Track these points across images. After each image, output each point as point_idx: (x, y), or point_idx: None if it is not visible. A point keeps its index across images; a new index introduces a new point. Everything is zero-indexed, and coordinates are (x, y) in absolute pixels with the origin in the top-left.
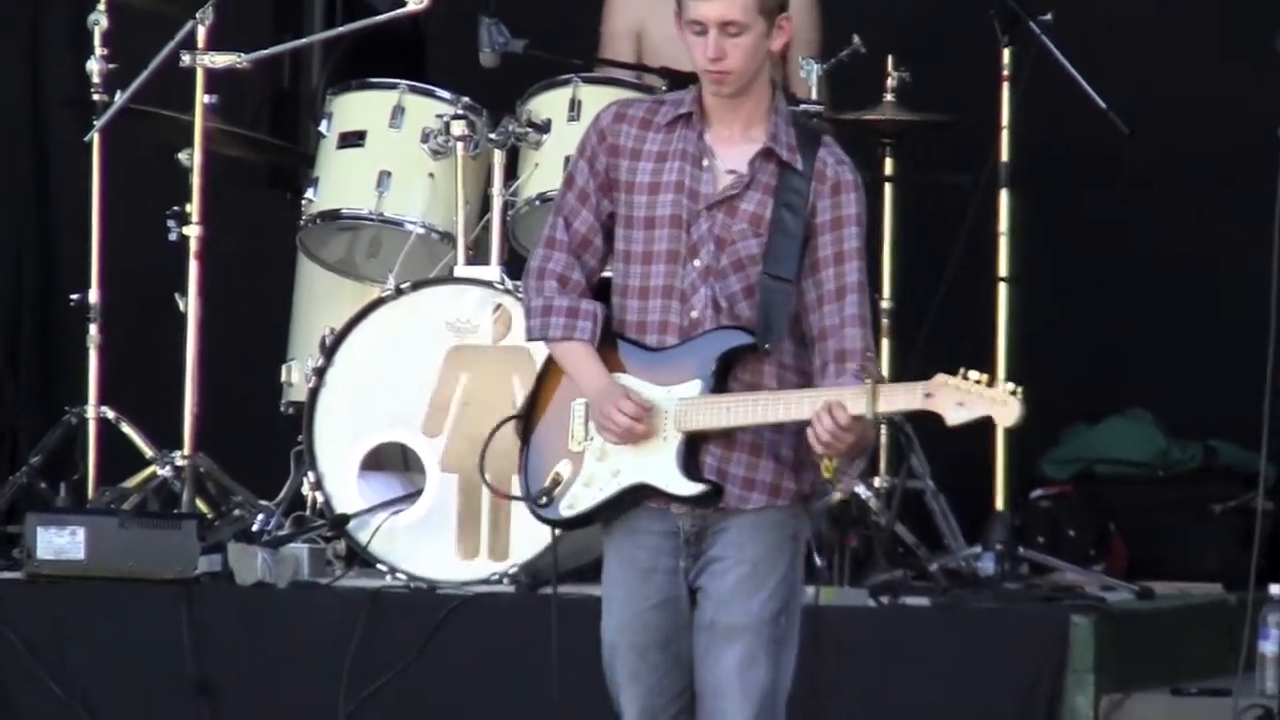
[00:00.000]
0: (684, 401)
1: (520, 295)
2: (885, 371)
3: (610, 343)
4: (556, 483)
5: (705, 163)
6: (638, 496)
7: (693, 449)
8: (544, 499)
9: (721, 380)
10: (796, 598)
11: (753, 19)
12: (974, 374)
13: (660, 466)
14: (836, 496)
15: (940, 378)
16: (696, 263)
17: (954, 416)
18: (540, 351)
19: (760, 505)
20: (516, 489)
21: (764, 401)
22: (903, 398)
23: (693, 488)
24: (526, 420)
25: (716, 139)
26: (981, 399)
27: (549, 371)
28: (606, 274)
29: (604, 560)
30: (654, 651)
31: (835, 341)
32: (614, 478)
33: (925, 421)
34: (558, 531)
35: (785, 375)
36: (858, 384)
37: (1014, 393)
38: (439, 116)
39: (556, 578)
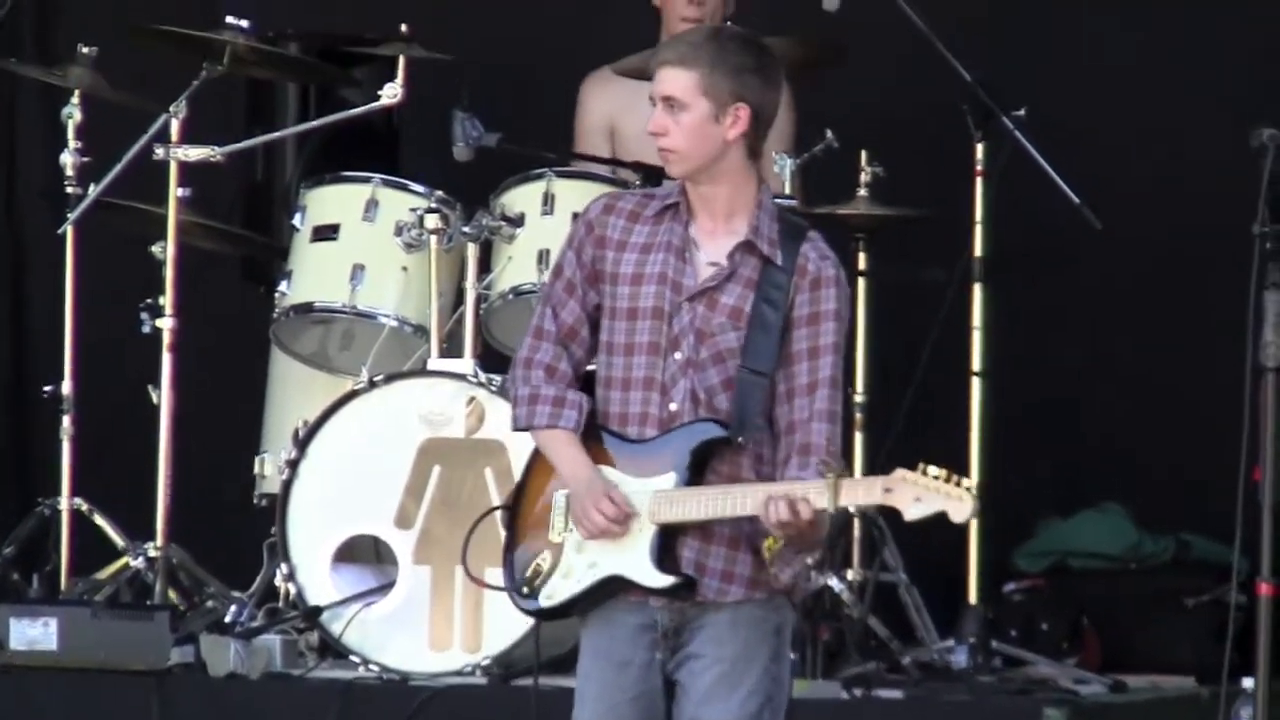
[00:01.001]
0: (659, 494)
1: (493, 389)
2: (858, 466)
3: (595, 435)
4: (537, 573)
5: (688, 255)
6: (614, 588)
7: (667, 541)
8: (524, 589)
9: (697, 473)
10: (782, 692)
11: (693, 99)
12: (933, 469)
13: (635, 559)
14: (784, 579)
15: (899, 473)
16: (678, 355)
17: (911, 512)
18: (515, 445)
19: (739, 598)
20: (493, 578)
21: (736, 494)
22: (862, 492)
23: (665, 580)
24: (512, 510)
25: (701, 231)
26: (937, 494)
27: (536, 462)
28: (592, 368)
29: (580, 652)
30: None
31: (801, 435)
32: (590, 569)
33: (898, 515)
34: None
35: (763, 469)
36: (820, 479)
37: (969, 489)
38: (413, 210)
39: (538, 668)
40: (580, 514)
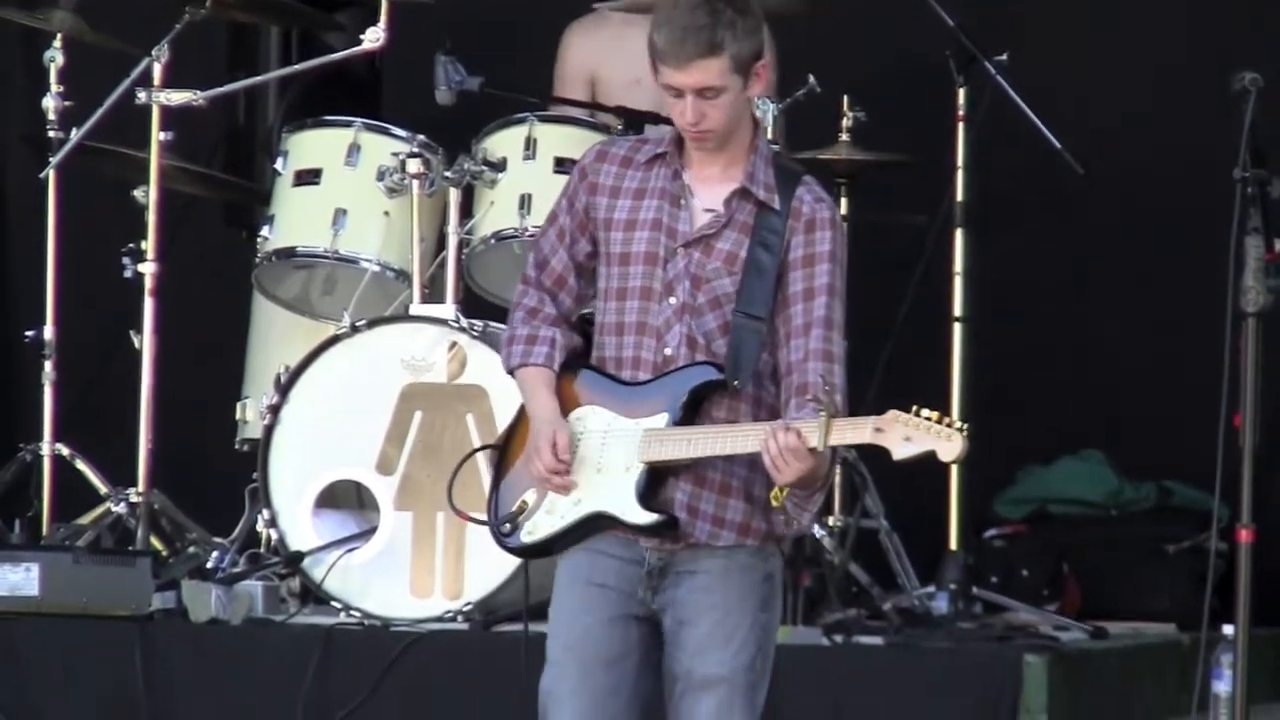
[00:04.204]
0: (649, 433)
1: (474, 334)
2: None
3: (588, 376)
4: (521, 510)
5: (683, 201)
6: (597, 525)
7: (654, 480)
8: (507, 525)
9: (690, 415)
10: (771, 639)
11: (728, 80)
12: (926, 411)
13: (620, 496)
14: (805, 522)
15: (892, 413)
16: (672, 300)
17: (900, 451)
18: (496, 390)
19: (730, 543)
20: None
21: (726, 434)
22: (853, 432)
23: (647, 517)
24: (504, 450)
25: (696, 178)
26: (927, 434)
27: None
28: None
29: (555, 581)
30: (600, 669)
31: (798, 376)
32: (575, 506)
33: (880, 461)
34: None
35: (763, 415)
36: (814, 416)
37: (959, 429)
38: (395, 154)
39: (527, 611)
40: (533, 452)
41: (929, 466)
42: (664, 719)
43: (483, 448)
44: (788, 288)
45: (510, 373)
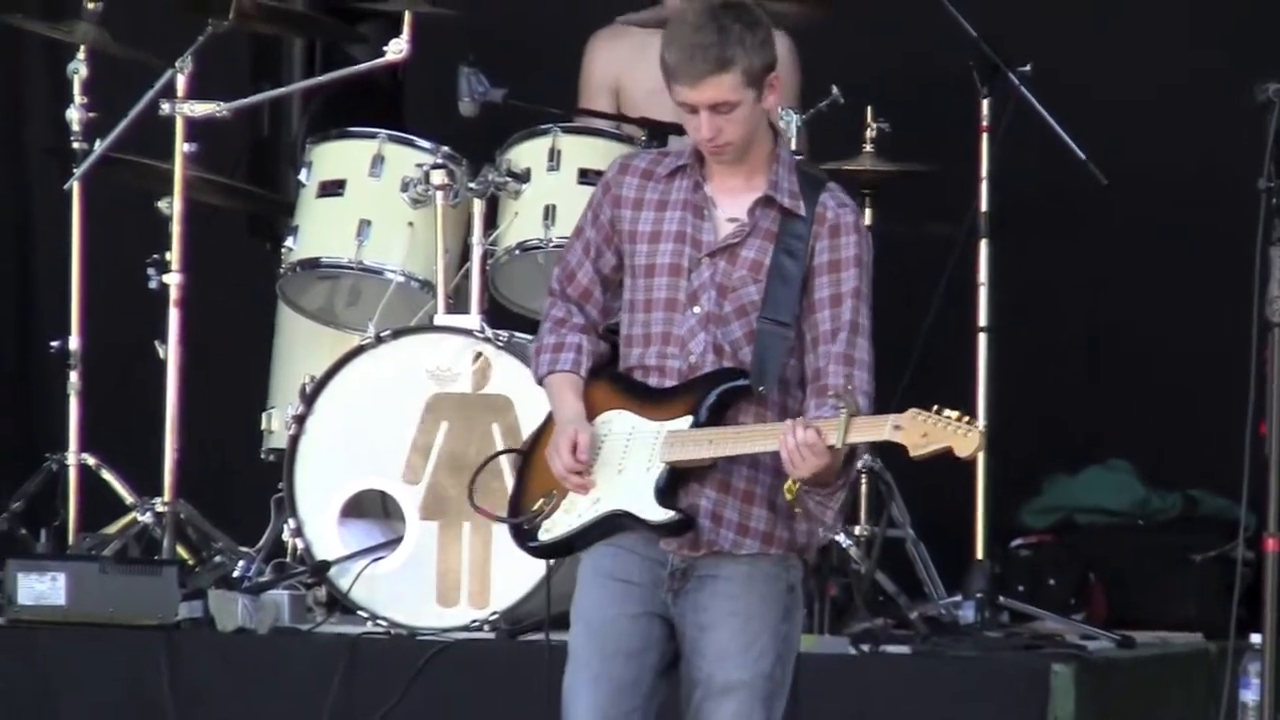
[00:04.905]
0: (671, 434)
1: (499, 344)
2: None
3: (615, 380)
4: (541, 510)
5: (706, 212)
6: (615, 524)
7: (673, 480)
8: (526, 524)
9: (715, 420)
10: (791, 649)
11: (741, 94)
12: (948, 411)
13: (639, 494)
14: (828, 520)
15: (911, 411)
16: (696, 309)
17: (917, 449)
18: (521, 400)
19: (754, 551)
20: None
21: (747, 433)
22: (872, 429)
23: (663, 514)
24: (529, 455)
25: (719, 189)
26: (944, 431)
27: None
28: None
29: (579, 575)
30: (621, 660)
31: (821, 379)
32: (594, 505)
33: (906, 470)
34: (551, 566)
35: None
36: (833, 414)
37: (978, 428)
38: (419, 165)
39: (549, 616)
40: (552, 449)
41: (955, 474)
42: None
43: (507, 451)
44: (813, 293)
45: (540, 382)
